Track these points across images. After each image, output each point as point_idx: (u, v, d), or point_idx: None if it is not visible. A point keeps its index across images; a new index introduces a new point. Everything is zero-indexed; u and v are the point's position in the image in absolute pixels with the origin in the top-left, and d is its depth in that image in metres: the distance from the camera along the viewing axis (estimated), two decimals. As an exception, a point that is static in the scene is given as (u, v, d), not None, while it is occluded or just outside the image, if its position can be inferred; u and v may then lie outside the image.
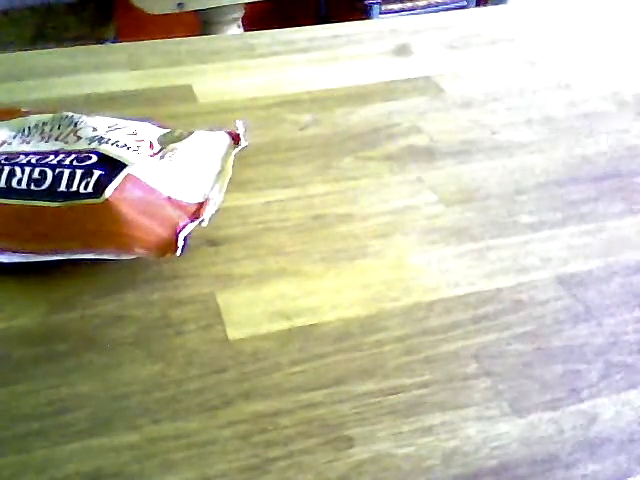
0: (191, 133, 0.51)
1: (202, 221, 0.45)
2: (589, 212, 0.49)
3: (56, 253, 0.42)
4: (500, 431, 0.34)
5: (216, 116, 0.59)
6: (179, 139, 0.50)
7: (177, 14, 1.60)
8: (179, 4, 1.58)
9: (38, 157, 0.45)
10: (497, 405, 0.35)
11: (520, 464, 0.32)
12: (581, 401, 0.35)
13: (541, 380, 0.36)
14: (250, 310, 0.41)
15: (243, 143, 0.53)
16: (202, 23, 1.70)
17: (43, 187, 0.43)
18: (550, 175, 0.53)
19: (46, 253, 0.42)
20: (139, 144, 0.48)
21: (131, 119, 0.52)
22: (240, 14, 1.70)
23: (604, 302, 0.41)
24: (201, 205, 0.46)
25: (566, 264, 0.44)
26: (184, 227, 0.43)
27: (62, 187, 0.43)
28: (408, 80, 0.67)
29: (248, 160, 0.53)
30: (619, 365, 0.37)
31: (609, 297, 0.42)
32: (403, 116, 0.61)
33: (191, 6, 1.60)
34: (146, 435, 0.33)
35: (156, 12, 1.60)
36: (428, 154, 0.55)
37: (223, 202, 0.48)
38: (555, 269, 0.44)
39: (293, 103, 0.62)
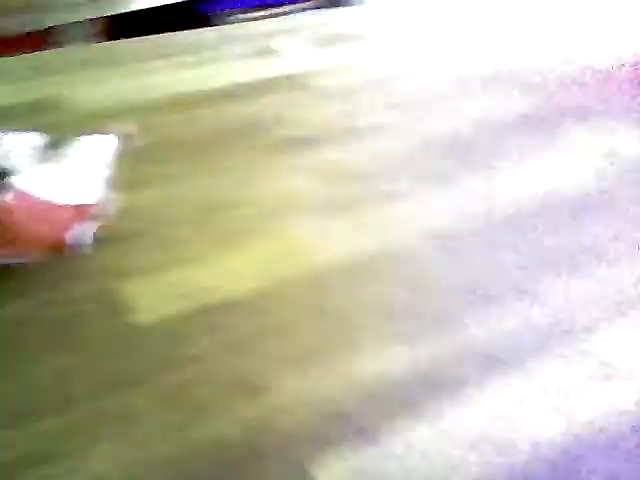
0: (75, 138, 0.52)
1: (94, 221, 0.46)
2: (446, 180, 0.55)
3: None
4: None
5: (92, 123, 0.61)
6: (63, 145, 0.51)
7: (26, 35, 1.56)
8: (27, 24, 1.54)
9: None
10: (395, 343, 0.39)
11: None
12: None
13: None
14: (155, 297, 0.43)
15: (127, 144, 0.55)
16: (53, 42, 1.66)
17: None
18: (408, 152, 0.59)
19: None
20: (23, 153, 0.49)
21: (12, 131, 0.52)
22: (92, 30, 1.68)
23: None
24: (90, 206, 0.47)
25: (431, 225, 0.50)
26: (74, 227, 0.45)
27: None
28: (275, 78, 0.71)
29: (136, 160, 0.55)
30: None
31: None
32: (276, 110, 0.64)
33: (39, 24, 1.56)
34: (67, 418, 0.35)
35: (6, 33, 1.55)
36: (305, 143, 0.59)
37: (115, 201, 0.49)
38: (423, 229, 0.49)
39: (167, 105, 0.64)
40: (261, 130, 0.61)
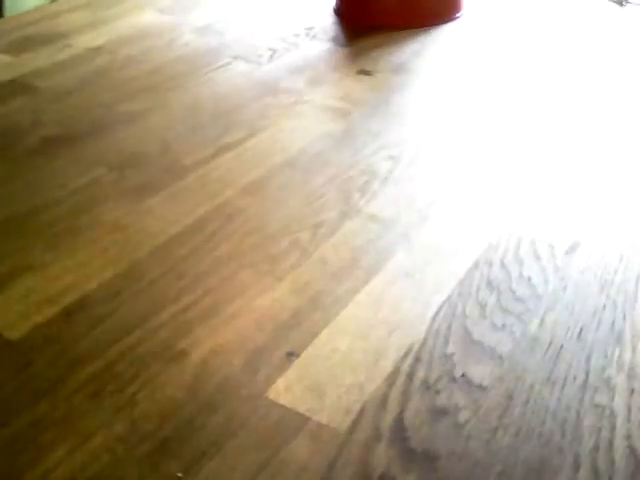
0: None
1: None
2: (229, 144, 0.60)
3: None
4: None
5: None
6: None
7: None
8: None
9: None
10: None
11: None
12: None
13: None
14: (15, 311, 0.42)
15: None
16: None
17: None
18: (180, 125, 0.62)
19: None
20: None
21: None
22: None
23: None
24: None
25: (245, 176, 0.55)
26: None
27: None
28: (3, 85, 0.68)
29: None
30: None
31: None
32: (17, 116, 0.63)
33: None
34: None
35: None
36: (67, 140, 0.59)
37: None
38: (240, 181, 0.54)
39: None
40: (16, 137, 0.59)
